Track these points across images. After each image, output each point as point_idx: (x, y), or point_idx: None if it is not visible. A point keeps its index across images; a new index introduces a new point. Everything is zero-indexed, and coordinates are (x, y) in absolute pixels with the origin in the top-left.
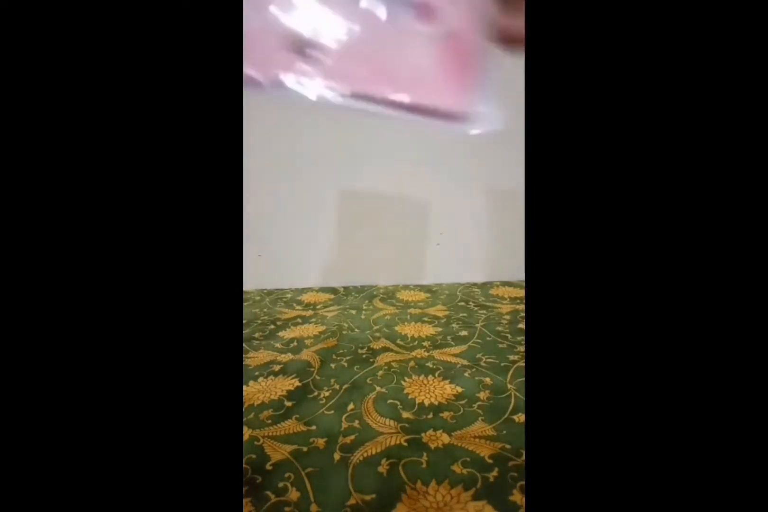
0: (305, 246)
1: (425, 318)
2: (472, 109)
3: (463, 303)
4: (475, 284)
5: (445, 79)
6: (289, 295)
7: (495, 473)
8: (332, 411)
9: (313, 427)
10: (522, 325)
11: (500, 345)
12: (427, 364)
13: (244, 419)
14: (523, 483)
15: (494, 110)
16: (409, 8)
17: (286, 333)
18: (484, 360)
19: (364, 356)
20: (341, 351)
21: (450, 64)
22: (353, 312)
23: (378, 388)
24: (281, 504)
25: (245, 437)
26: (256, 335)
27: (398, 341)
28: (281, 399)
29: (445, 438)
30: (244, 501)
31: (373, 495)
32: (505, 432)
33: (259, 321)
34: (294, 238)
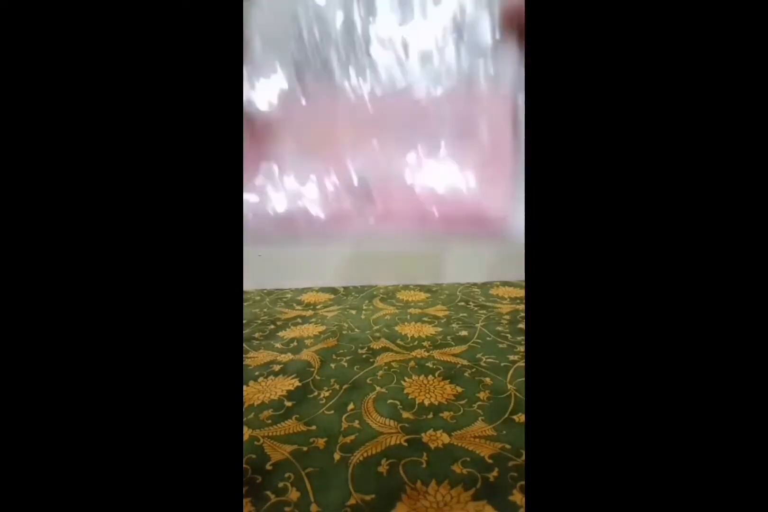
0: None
1: (425, 318)
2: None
3: (463, 303)
4: (475, 284)
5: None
6: (289, 295)
7: (495, 473)
8: (332, 411)
9: (313, 427)
10: (522, 325)
11: (500, 345)
12: (427, 364)
13: (244, 419)
14: (523, 483)
15: None
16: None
17: (286, 333)
18: (484, 360)
19: (364, 356)
20: (341, 351)
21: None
22: (353, 312)
23: (378, 388)
24: (281, 504)
25: (245, 437)
26: (256, 335)
27: (398, 341)
28: (281, 399)
29: (445, 438)
30: (244, 501)
31: (373, 495)
32: (505, 432)
33: (259, 321)
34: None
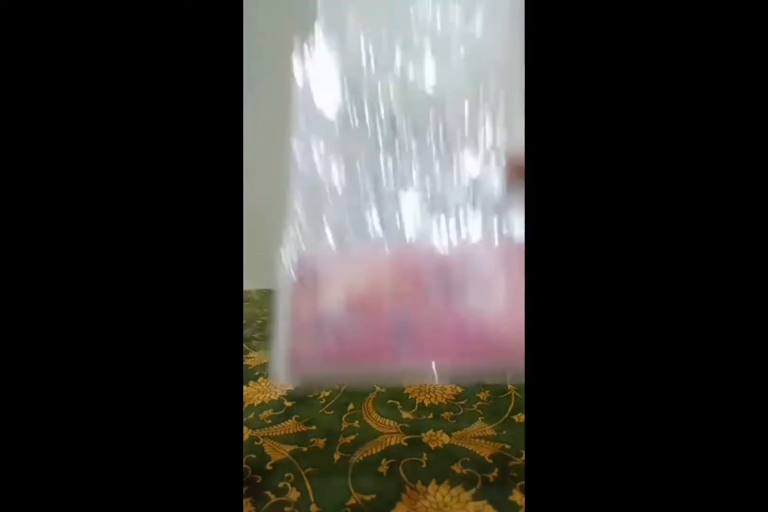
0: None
1: None
2: None
3: None
4: None
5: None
6: None
7: (495, 473)
8: (332, 411)
9: (313, 427)
10: None
11: None
12: None
13: (244, 419)
14: (523, 483)
15: None
16: None
17: None
18: None
19: None
20: None
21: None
22: None
23: (378, 388)
24: (281, 504)
25: (245, 437)
26: (256, 335)
27: None
28: (281, 399)
29: (445, 438)
30: (244, 501)
31: (373, 495)
32: (505, 432)
33: (259, 321)
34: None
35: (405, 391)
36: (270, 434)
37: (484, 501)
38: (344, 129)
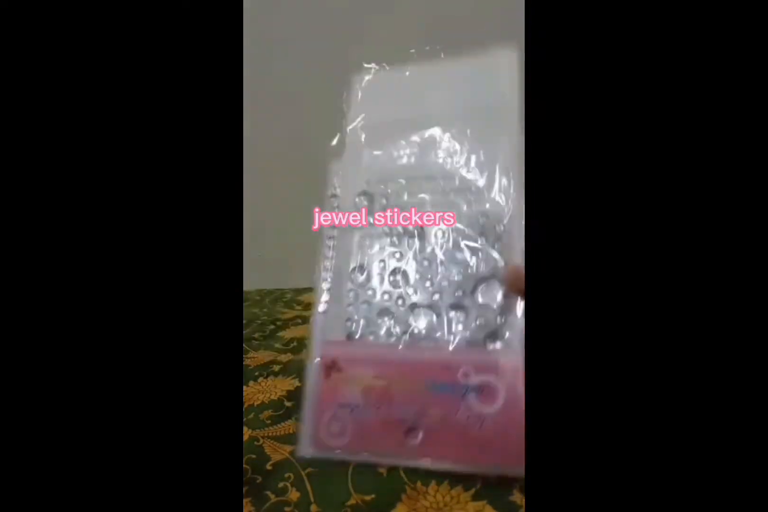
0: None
1: None
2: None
3: None
4: None
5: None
6: (289, 295)
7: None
8: None
9: None
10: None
11: None
12: None
13: (244, 419)
14: (523, 483)
15: None
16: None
17: (286, 333)
18: None
19: None
20: None
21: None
22: None
23: None
24: (281, 504)
25: (245, 437)
26: (256, 335)
27: None
28: (281, 399)
29: None
30: (244, 501)
31: (373, 496)
32: None
33: (259, 321)
34: (294, 237)
35: None
36: (270, 434)
37: (484, 502)
38: (372, 235)
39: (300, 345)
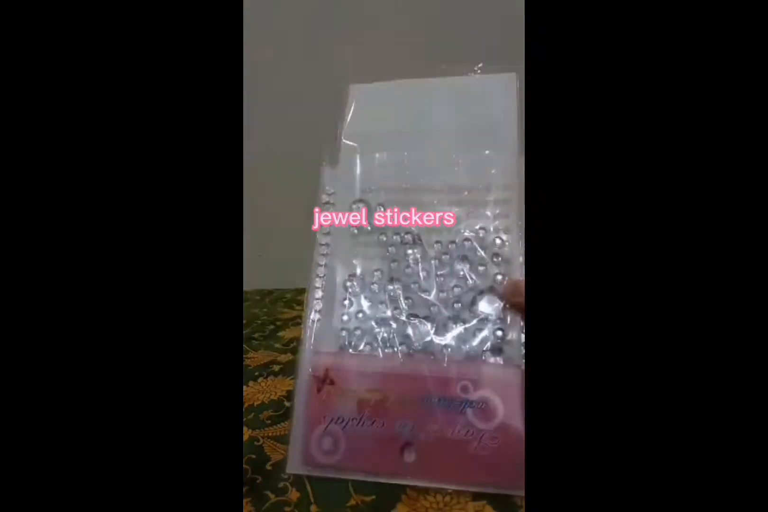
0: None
1: None
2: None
3: None
4: None
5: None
6: (289, 295)
7: None
8: None
9: None
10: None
11: None
12: None
13: (244, 419)
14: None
15: None
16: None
17: (286, 333)
18: None
19: None
20: None
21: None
22: None
23: None
24: (281, 504)
25: (245, 437)
26: (256, 335)
27: None
28: (281, 400)
29: None
30: (244, 501)
31: (373, 496)
32: None
33: (259, 321)
34: (294, 238)
35: None
36: (270, 434)
37: (484, 502)
38: (368, 243)
39: (300, 345)
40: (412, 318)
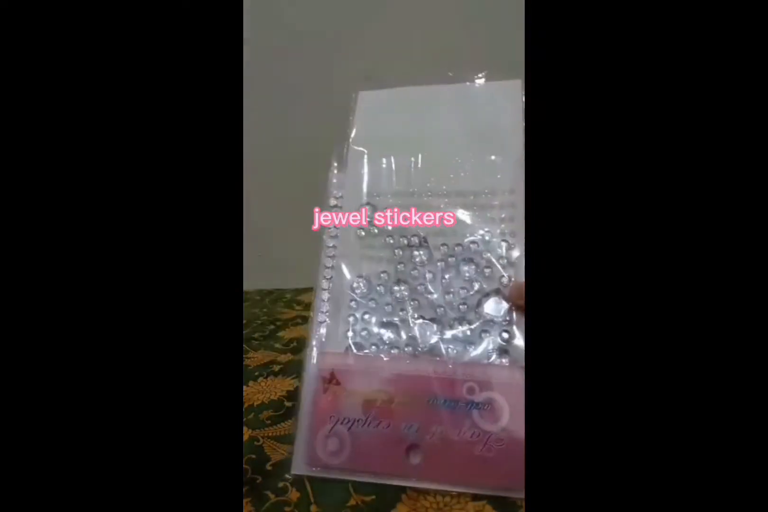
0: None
1: None
2: None
3: None
4: None
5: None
6: (289, 295)
7: None
8: None
9: None
10: None
11: None
12: None
13: (244, 419)
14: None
15: None
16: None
17: (286, 334)
18: None
19: None
20: None
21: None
22: None
23: None
24: (281, 504)
25: (245, 437)
26: (256, 335)
27: None
28: (281, 400)
29: None
30: (244, 501)
31: (373, 496)
32: None
33: (259, 322)
34: (294, 237)
35: None
36: (270, 434)
37: (484, 502)
38: (375, 246)
39: (300, 345)
40: (418, 320)
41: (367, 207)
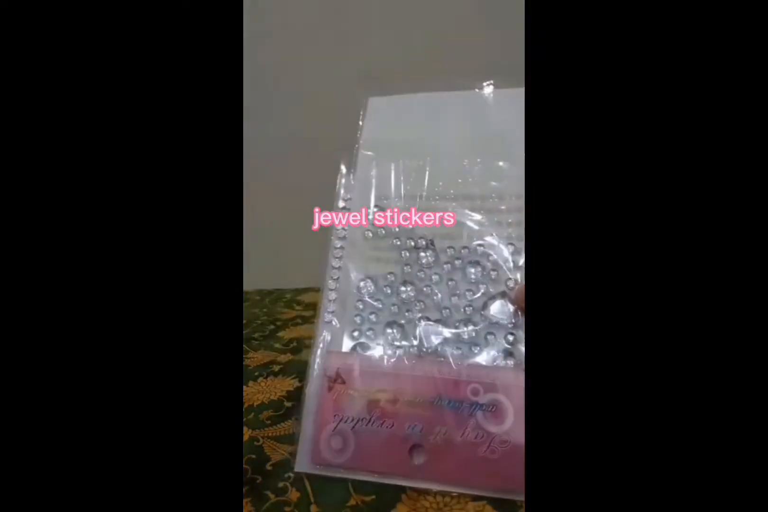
0: (305, 246)
1: None
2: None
3: None
4: None
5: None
6: (289, 295)
7: None
8: None
9: None
10: None
11: None
12: None
13: (244, 419)
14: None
15: None
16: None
17: (286, 334)
18: None
19: None
20: None
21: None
22: None
23: None
24: (281, 504)
25: (245, 437)
26: (256, 335)
27: None
28: (281, 400)
29: None
30: (244, 501)
31: (373, 496)
32: None
33: (259, 322)
34: (294, 237)
35: None
36: (270, 434)
37: (484, 502)
38: (382, 247)
39: (300, 345)
40: (423, 321)
41: (376, 209)
